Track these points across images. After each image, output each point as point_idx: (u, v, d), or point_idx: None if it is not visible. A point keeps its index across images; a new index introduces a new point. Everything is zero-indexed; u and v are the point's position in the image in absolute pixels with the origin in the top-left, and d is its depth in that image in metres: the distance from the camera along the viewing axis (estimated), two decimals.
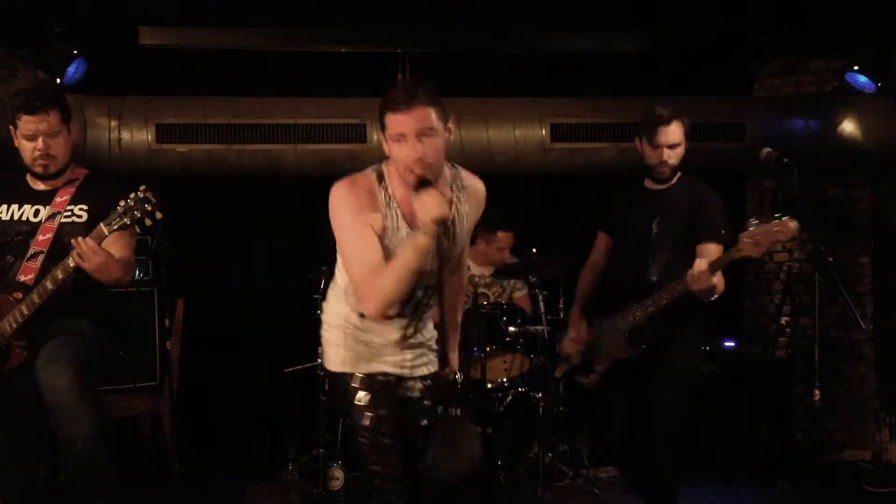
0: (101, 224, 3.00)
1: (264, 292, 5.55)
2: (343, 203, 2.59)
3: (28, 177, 3.35)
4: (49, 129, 3.20)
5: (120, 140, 5.12)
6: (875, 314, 5.81)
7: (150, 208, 2.96)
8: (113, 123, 5.12)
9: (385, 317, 2.65)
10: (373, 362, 2.74)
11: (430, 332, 2.84)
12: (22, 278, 3.18)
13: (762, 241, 3.17)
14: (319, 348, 3.60)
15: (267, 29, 5.42)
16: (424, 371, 2.79)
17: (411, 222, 2.58)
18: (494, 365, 4.72)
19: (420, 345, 2.80)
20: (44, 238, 3.21)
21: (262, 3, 5.27)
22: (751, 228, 3.18)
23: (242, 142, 5.19)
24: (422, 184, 2.50)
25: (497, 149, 5.32)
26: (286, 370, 4.59)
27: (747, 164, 5.31)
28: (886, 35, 5.22)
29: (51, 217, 3.24)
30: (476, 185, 2.79)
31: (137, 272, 5.07)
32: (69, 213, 3.25)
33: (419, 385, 2.78)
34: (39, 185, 3.33)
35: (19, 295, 3.14)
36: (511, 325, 4.76)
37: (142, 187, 2.98)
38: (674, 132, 3.45)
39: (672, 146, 3.46)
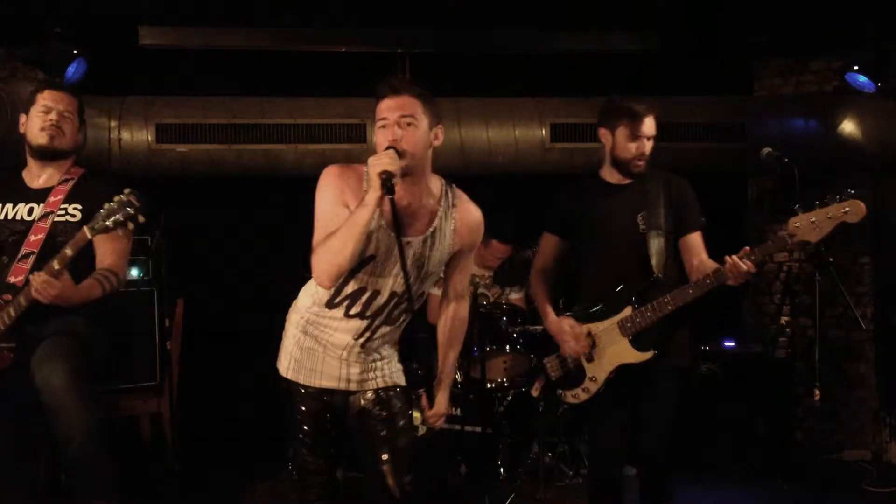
0: (85, 227, 2.99)
1: (264, 292, 5.54)
2: (329, 185, 2.64)
3: (24, 174, 3.35)
4: (66, 108, 3.31)
5: (120, 140, 5.12)
6: (875, 314, 5.81)
7: (132, 211, 2.94)
8: (113, 123, 5.12)
9: (334, 284, 2.61)
10: (316, 374, 2.75)
11: (386, 353, 2.82)
12: (12, 280, 3.17)
13: (824, 225, 3.04)
14: None
15: (267, 29, 5.42)
16: (374, 385, 2.77)
17: (389, 222, 2.57)
18: (494, 365, 4.72)
19: (371, 360, 2.77)
20: (35, 238, 3.20)
21: (262, 3, 5.27)
22: (801, 213, 3.06)
23: (242, 142, 5.18)
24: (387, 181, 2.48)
25: (497, 149, 5.32)
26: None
27: (747, 164, 5.32)
28: (886, 35, 5.22)
29: (44, 216, 3.23)
30: (471, 210, 2.78)
31: (137, 272, 5.09)
32: (63, 213, 3.25)
33: (370, 395, 2.76)
34: (35, 183, 3.32)
35: (9, 297, 3.14)
36: (511, 325, 4.76)
37: (126, 190, 2.97)
38: (652, 123, 3.36)
39: (650, 138, 3.36)
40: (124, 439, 4.86)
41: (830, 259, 4.05)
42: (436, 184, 2.74)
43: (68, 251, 3.00)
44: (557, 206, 3.54)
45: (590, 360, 3.39)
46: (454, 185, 2.78)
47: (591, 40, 5.60)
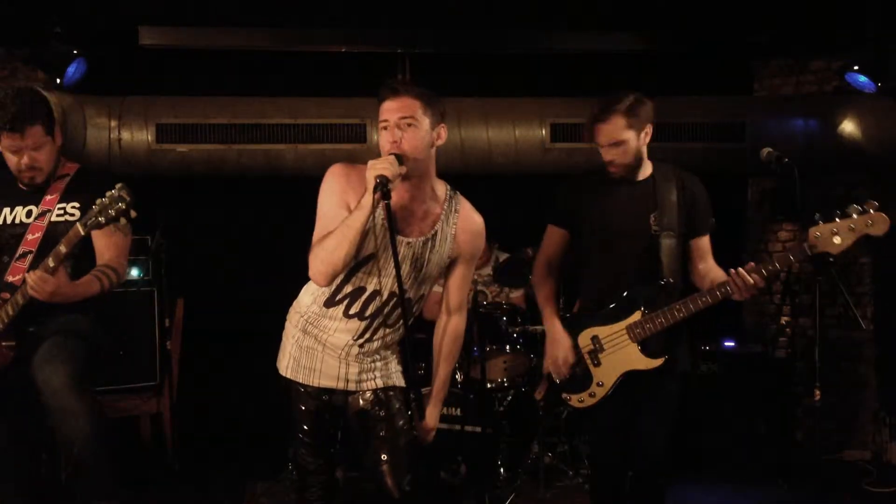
0: (77, 223, 2.98)
1: (264, 292, 5.54)
2: (332, 184, 2.67)
3: None
4: (34, 143, 3.17)
5: (120, 140, 5.12)
6: (875, 314, 5.81)
7: (123, 207, 2.91)
8: (113, 123, 5.12)
9: (329, 283, 2.62)
10: (314, 373, 2.76)
11: (385, 354, 2.81)
12: (10, 279, 3.17)
13: (845, 237, 2.96)
14: None
15: (267, 29, 5.42)
16: (373, 385, 2.77)
17: (391, 228, 2.58)
18: (494, 365, 4.72)
19: (369, 361, 2.77)
20: (33, 237, 3.19)
21: (262, 3, 5.27)
22: (822, 223, 2.97)
23: (242, 142, 5.19)
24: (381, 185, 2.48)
25: (497, 149, 5.32)
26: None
27: (747, 164, 5.32)
28: (886, 35, 5.22)
29: (40, 216, 3.23)
30: (473, 218, 2.79)
31: (137, 272, 5.09)
32: (61, 212, 3.24)
33: (369, 395, 2.76)
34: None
35: (6, 295, 3.13)
36: (511, 325, 4.76)
37: (118, 185, 2.94)
38: (610, 131, 3.11)
39: (612, 144, 3.13)
40: (124, 439, 4.87)
41: (830, 259, 4.04)
42: (440, 188, 2.75)
43: (62, 248, 3.00)
44: (565, 199, 3.36)
45: (597, 364, 3.27)
46: (458, 192, 2.79)
47: (591, 40, 5.60)
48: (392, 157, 2.54)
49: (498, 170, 5.37)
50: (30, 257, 3.17)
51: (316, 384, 2.77)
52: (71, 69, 5.01)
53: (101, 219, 2.93)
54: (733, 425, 5.16)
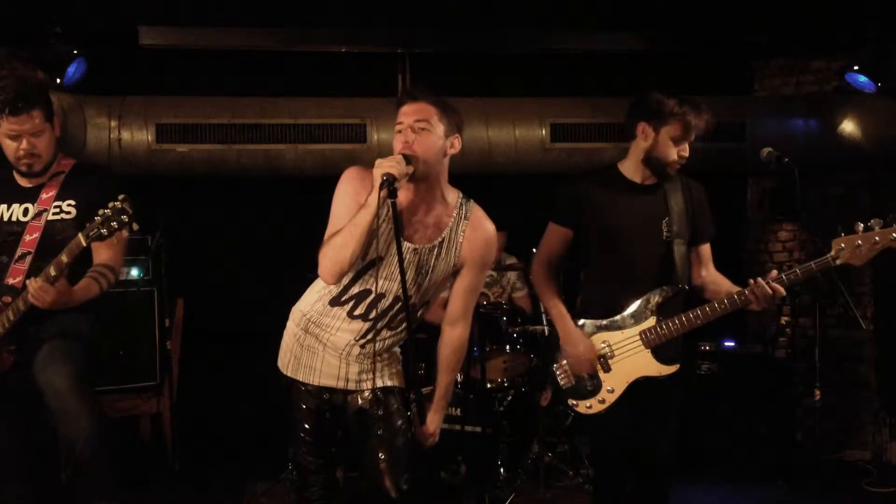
0: (80, 234, 2.97)
1: (264, 292, 5.55)
2: (346, 185, 2.69)
3: (15, 173, 3.32)
4: (33, 128, 3.17)
5: (120, 140, 5.12)
6: (875, 314, 5.81)
7: (126, 219, 2.92)
8: (113, 123, 5.12)
9: (336, 281, 2.64)
10: (315, 372, 2.77)
11: (386, 355, 2.81)
12: (10, 281, 3.16)
13: (869, 250, 2.95)
14: None
15: (267, 29, 5.42)
16: (372, 384, 2.77)
17: (396, 227, 2.58)
18: (494, 365, 4.72)
19: (369, 361, 2.76)
20: (31, 238, 3.18)
21: (262, 3, 5.27)
22: (844, 235, 2.94)
23: (242, 142, 5.19)
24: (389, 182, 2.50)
25: (497, 149, 5.32)
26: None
27: (747, 164, 5.32)
28: (886, 35, 5.22)
29: (37, 215, 3.22)
30: (485, 226, 2.77)
31: (137, 272, 5.09)
32: (57, 210, 3.23)
33: (368, 395, 2.76)
34: (26, 182, 3.30)
35: (8, 299, 3.13)
36: (511, 325, 4.76)
37: (120, 197, 2.94)
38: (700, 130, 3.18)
39: (690, 142, 3.18)
40: (124, 439, 4.87)
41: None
42: (452, 195, 2.76)
43: (64, 258, 2.99)
44: (571, 198, 3.27)
45: (607, 370, 3.20)
46: (472, 200, 2.79)
47: (591, 40, 5.60)
48: (400, 156, 2.56)
49: (498, 170, 5.37)
50: (29, 258, 3.16)
51: (316, 383, 2.77)
52: (71, 69, 5.01)
53: (104, 231, 2.93)
54: (733, 425, 5.16)
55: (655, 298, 3.17)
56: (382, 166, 2.52)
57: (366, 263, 2.65)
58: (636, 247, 3.18)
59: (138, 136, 5.14)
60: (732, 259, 6.04)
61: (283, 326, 2.90)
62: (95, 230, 2.94)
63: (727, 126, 5.37)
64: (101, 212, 2.94)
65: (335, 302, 2.73)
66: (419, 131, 2.62)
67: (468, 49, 5.64)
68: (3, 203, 3.28)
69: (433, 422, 2.86)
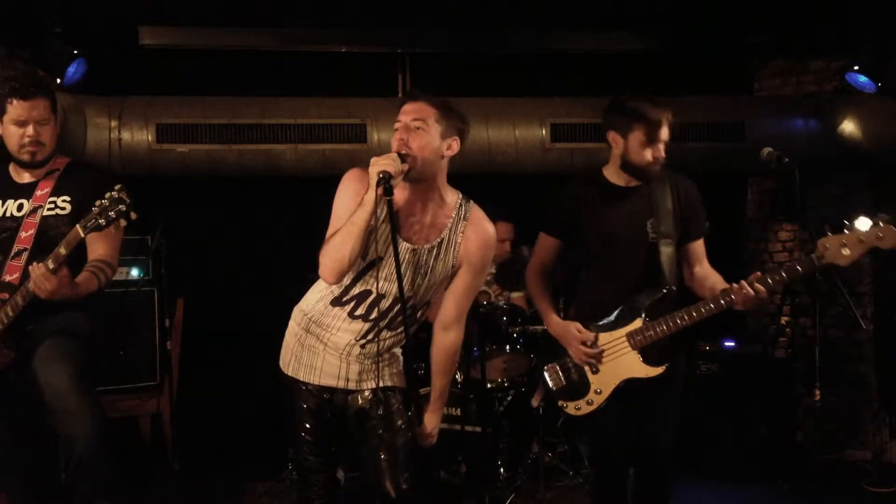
0: (77, 225, 2.97)
1: (264, 292, 5.55)
2: (347, 186, 2.70)
3: (10, 168, 3.31)
4: (40, 116, 3.19)
5: (120, 140, 5.12)
6: (875, 314, 5.81)
7: (124, 208, 2.92)
8: (113, 123, 5.12)
9: (337, 281, 2.64)
10: (315, 372, 2.77)
11: (387, 355, 2.81)
12: (7, 278, 3.16)
13: (854, 249, 2.94)
14: None
15: (267, 29, 5.43)
16: (372, 384, 2.77)
17: (392, 224, 2.59)
18: (494, 365, 4.72)
19: (370, 361, 2.76)
20: (26, 235, 3.18)
21: (262, 3, 5.27)
22: (830, 234, 2.94)
23: (242, 142, 5.18)
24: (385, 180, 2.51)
25: (497, 149, 5.32)
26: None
27: (747, 164, 5.31)
28: (886, 35, 5.22)
29: (32, 211, 3.21)
30: (485, 226, 2.77)
31: (137, 272, 5.09)
32: (52, 206, 3.23)
33: (368, 395, 2.77)
34: (22, 178, 3.30)
35: (5, 295, 3.13)
36: (511, 325, 4.76)
37: (117, 186, 2.94)
38: (667, 128, 3.19)
39: (665, 141, 3.18)
40: (124, 439, 4.87)
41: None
42: (451, 197, 2.76)
43: (62, 250, 2.99)
44: (559, 207, 3.34)
45: (595, 371, 3.23)
46: (472, 202, 2.79)
47: (591, 40, 5.60)
48: (395, 154, 2.57)
49: (498, 170, 5.37)
50: (25, 255, 3.16)
51: (317, 382, 2.78)
52: (71, 69, 5.01)
53: (102, 221, 2.93)
54: (733, 425, 5.16)
55: (642, 300, 3.18)
56: (378, 164, 2.53)
57: (366, 264, 2.65)
58: (623, 249, 3.21)
59: (138, 136, 5.14)
60: (732, 259, 6.05)
61: (283, 326, 2.90)
62: (93, 220, 2.93)
63: (727, 126, 5.38)
64: (97, 202, 2.93)
65: (336, 302, 2.73)
66: (415, 130, 2.63)
67: (468, 49, 5.64)
68: None
69: (430, 423, 2.88)
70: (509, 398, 4.83)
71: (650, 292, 3.18)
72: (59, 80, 4.98)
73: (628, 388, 3.20)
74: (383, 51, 5.59)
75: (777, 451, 5.11)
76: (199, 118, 5.17)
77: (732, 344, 5.45)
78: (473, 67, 5.69)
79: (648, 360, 3.18)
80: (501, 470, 4.69)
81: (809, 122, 5.43)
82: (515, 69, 5.77)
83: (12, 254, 3.18)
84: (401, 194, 2.66)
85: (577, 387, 3.27)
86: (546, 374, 3.35)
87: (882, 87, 5.31)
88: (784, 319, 5.72)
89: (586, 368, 3.25)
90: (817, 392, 4.22)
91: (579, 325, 3.24)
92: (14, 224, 3.22)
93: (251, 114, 5.22)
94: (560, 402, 3.31)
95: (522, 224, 5.03)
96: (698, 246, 3.30)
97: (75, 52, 5.01)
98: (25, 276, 3.09)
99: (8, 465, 3.28)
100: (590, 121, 5.34)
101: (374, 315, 2.71)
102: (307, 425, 2.79)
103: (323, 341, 2.77)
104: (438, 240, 2.72)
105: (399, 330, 2.75)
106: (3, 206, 3.26)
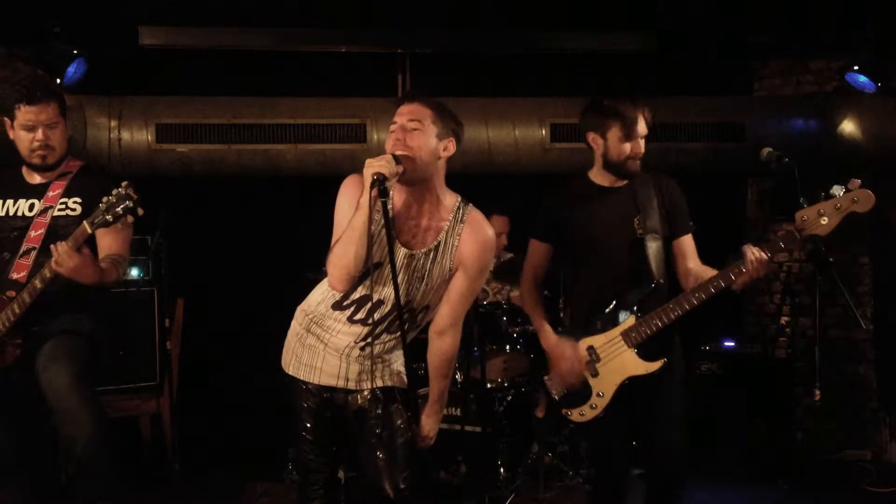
0: (85, 221, 2.99)
1: (264, 292, 5.55)
2: (345, 193, 2.69)
3: (23, 170, 3.34)
4: (49, 119, 3.22)
5: (120, 140, 5.12)
6: (875, 314, 5.81)
7: (131, 204, 2.94)
8: (113, 123, 5.12)
9: (346, 288, 2.64)
10: (316, 371, 2.77)
11: (387, 356, 2.80)
12: (15, 276, 3.17)
13: (832, 217, 2.95)
14: None
15: (267, 29, 5.43)
16: (372, 384, 2.76)
17: (387, 227, 2.58)
18: (494, 365, 4.72)
19: (370, 362, 2.75)
20: (36, 234, 3.20)
21: (262, 3, 5.27)
22: (807, 206, 2.96)
23: (242, 142, 5.19)
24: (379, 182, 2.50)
25: (497, 149, 5.32)
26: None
27: (747, 164, 5.31)
28: (886, 35, 5.22)
29: (43, 211, 3.23)
30: (483, 229, 2.74)
31: (137, 272, 5.09)
32: (63, 207, 3.24)
33: (367, 395, 2.76)
34: (34, 179, 3.32)
35: (12, 293, 3.14)
36: (511, 325, 4.76)
37: (123, 183, 2.96)
38: (643, 121, 3.22)
39: (643, 136, 3.22)
40: (124, 439, 4.87)
41: (830, 259, 4.05)
42: (449, 199, 2.74)
43: (70, 244, 3.00)
44: (546, 213, 3.36)
45: (594, 374, 3.20)
46: (471, 205, 2.77)
47: (591, 40, 5.60)
48: (389, 156, 2.56)
49: (498, 170, 5.37)
50: (33, 254, 3.18)
51: (317, 382, 2.78)
52: (71, 69, 5.01)
53: (109, 217, 2.95)
54: (733, 425, 5.16)
55: (632, 297, 3.19)
56: (372, 166, 2.51)
57: (365, 269, 2.63)
58: (611, 247, 3.23)
59: (138, 136, 5.14)
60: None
61: (283, 326, 2.90)
62: (100, 216, 2.95)
63: (727, 126, 5.38)
64: (104, 199, 2.96)
65: (337, 306, 2.73)
66: (411, 131, 2.62)
67: (468, 49, 5.64)
68: (9, 198, 3.29)
69: (427, 425, 2.87)
70: (509, 398, 4.82)
71: (640, 289, 3.19)
72: (59, 80, 4.98)
73: (627, 390, 3.19)
74: (383, 51, 5.59)
75: (777, 452, 5.11)
76: (198, 118, 5.18)
77: (732, 344, 5.46)
78: (473, 67, 5.69)
79: (646, 356, 3.17)
80: (501, 470, 4.68)
81: (809, 122, 5.43)
82: (515, 69, 5.77)
83: (21, 252, 3.20)
84: (397, 197, 2.66)
85: (580, 393, 3.24)
86: (548, 383, 3.35)
87: (882, 87, 5.31)
88: (784, 319, 5.72)
89: (586, 373, 3.23)
90: (817, 392, 4.24)
91: (574, 344, 3.23)
92: (24, 223, 3.24)
93: (251, 114, 5.22)
94: (564, 411, 3.29)
95: (522, 224, 5.02)
96: (687, 242, 3.31)
97: (75, 52, 5.01)
98: (33, 274, 3.10)
99: (9, 465, 3.28)
100: None
101: (373, 320, 2.70)
102: (307, 424, 2.79)
103: (323, 341, 2.77)
104: (435, 243, 2.70)
105: (399, 333, 2.74)
106: (14, 205, 3.28)
